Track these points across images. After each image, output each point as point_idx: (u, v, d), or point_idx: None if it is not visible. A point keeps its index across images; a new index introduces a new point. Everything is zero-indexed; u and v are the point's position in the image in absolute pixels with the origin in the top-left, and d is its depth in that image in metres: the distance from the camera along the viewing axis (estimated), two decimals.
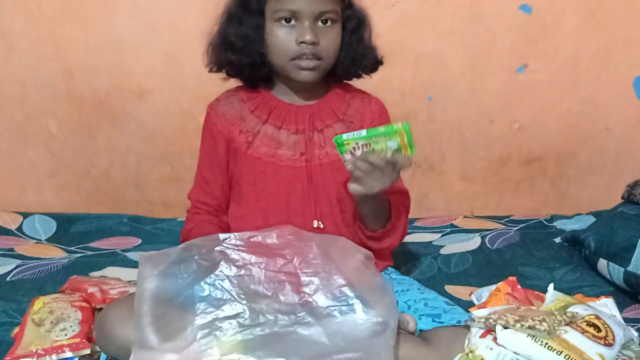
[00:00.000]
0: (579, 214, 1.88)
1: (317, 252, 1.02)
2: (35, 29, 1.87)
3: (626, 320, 1.19)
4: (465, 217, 1.90)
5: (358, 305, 0.94)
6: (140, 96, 1.95)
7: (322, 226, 1.20)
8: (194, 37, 1.89)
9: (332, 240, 1.09)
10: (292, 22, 1.10)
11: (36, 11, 1.86)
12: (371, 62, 1.22)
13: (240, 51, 1.15)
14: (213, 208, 1.25)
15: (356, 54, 1.19)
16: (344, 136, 1.03)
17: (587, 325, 1.01)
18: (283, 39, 1.11)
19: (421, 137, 2.04)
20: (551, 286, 1.18)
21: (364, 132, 1.02)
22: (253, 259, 0.94)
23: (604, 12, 1.95)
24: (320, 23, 1.11)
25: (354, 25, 1.18)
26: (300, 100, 1.20)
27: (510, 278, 1.21)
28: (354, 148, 1.03)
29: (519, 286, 1.19)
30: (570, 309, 1.06)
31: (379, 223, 1.18)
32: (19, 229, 1.72)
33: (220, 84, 1.25)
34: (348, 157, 1.04)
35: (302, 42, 1.10)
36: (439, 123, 2.04)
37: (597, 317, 1.04)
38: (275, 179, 1.19)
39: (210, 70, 1.22)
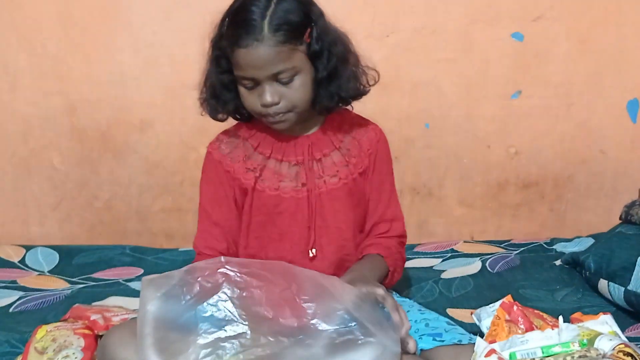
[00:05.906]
0: (578, 237, 1.89)
1: (313, 282, 1.02)
2: (38, 65, 1.92)
3: (629, 339, 1.19)
4: (465, 242, 1.91)
5: (357, 327, 0.94)
6: (142, 129, 1.98)
7: (315, 254, 1.21)
8: (194, 70, 1.94)
9: (327, 277, 1.09)
10: (253, 85, 1.10)
11: (40, 47, 1.90)
12: (351, 93, 1.18)
13: (221, 98, 1.17)
14: (220, 254, 1.17)
15: (329, 92, 1.14)
16: None
17: (624, 355, 0.99)
18: (248, 100, 1.12)
19: (419, 164, 2.07)
20: (561, 318, 1.11)
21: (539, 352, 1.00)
22: (254, 282, 0.95)
23: (594, 39, 1.99)
24: (278, 82, 1.09)
25: (325, 61, 1.12)
26: (298, 131, 1.20)
27: (506, 301, 1.19)
28: None
29: (515, 308, 1.18)
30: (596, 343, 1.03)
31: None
32: (22, 261, 1.73)
33: None
34: None
35: (263, 105, 1.10)
36: (436, 149, 2.07)
37: (627, 345, 1.02)
38: (279, 211, 1.19)
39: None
